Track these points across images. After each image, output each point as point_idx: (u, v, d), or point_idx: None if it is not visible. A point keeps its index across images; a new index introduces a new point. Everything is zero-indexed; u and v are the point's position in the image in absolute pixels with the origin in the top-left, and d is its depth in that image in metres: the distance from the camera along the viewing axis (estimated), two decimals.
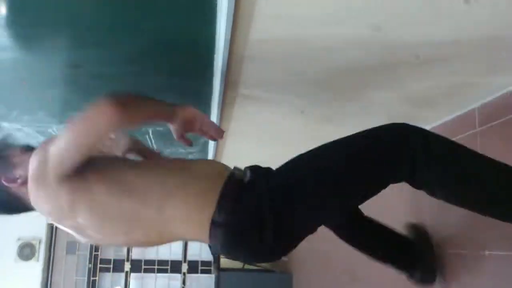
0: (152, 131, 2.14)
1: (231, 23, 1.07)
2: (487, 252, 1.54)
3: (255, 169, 1.27)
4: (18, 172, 1.30)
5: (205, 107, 1.73)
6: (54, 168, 1.16)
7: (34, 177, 1.21)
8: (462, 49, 1.22)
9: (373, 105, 1.78)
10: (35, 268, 5.22)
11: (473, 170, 1.15)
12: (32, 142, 2.26)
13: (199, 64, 1.38)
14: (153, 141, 2.30)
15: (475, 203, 1.18)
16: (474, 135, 1.63)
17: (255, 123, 2.14)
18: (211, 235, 1.20)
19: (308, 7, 1.03)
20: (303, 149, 1.26)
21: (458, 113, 1.76)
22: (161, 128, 2.08)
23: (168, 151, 2.52)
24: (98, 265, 5.51)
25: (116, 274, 5.56)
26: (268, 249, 1.20)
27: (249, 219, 1.18)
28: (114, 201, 1.21)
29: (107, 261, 5.50)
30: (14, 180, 1.29)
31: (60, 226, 1.35)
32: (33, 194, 1.24)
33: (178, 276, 5.50)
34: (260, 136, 2.43)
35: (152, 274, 5.51)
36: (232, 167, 1.30)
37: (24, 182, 1.27)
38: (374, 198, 1.21)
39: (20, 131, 2.16)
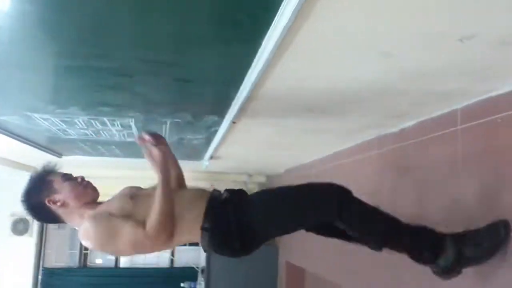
0: (170, 122, 2.36)
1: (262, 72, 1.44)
2: None
3: (231, 192, 1.81)
4: (58, 197, 1.74)
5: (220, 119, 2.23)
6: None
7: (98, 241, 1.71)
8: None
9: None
10: (28, 242, 5.39)
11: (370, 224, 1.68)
12: (54, 128, 2.47)
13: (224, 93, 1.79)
14: (167, 130, 2.53)
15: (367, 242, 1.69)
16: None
17: (253, 136, 2.87)
18: (201, 238, 1.70)
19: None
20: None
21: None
22: (178, 119, 2.31)
23: (177, 137, 2.75)
24: None
25: None
26: (238, 251, 1.70)
27: (225, 226, 1.68)
28: None
29: None
30: (55, 203, 1.74)
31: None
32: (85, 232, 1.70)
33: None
34: (254, 145, 3.03)
35: None
36: (211, 189, 1.86)
37: (62, 205, 1.74)
38: None
39: (47, 121, 2.35)
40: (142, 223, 1.63)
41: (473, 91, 1.74)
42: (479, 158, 1.78)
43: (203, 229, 1.68)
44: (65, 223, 1.86)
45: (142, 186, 1.96)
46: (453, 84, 1.67)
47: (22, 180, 5.37)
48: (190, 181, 5.46)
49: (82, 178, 1.82)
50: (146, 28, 1.20)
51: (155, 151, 1.70)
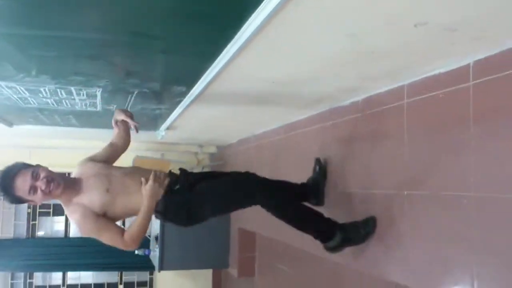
0: (137, 92, 2.43)
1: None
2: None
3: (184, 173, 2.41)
4: (35, 201, 2.08)
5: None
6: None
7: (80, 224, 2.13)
8: None
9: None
10: None
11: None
12: (15, 97, 2.46)
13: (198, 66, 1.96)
14: (132, 100, 2.59)
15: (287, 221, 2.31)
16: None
17: (212, 109, 3.09)
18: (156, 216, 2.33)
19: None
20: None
21: None
22: (146, 90, 2.39)
23: (140, 106, 2.82)
24: (38, 209, 5.64)
25: (56, 218, 5.74)
26: (185, 225, 2.32)
27: (176, 210, 2.27)
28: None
29: (47, 206, 5.64)
30: (35, 204, 2.16)
31: None
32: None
33: None
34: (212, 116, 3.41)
35: None
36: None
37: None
38: None
39: (11, 89, 2.34)
40: (121, 232, 2.13)
41: (419, 69, 1.98)
42: (423, 131, 2.04)
43: (156, 211, 2.25)
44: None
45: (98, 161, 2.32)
46: (402, 62, 1.89)
47: None
48: (143, 151, 5.50)
49: (46, 185, 2.01)
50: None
51: (155, 191, 2.17)
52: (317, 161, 2.83)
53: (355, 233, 2.27)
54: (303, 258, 3.46)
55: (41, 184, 2.00)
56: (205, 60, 1.84)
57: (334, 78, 2.16)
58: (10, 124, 3.67)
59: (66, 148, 4.82)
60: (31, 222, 5.62)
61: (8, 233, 5.58)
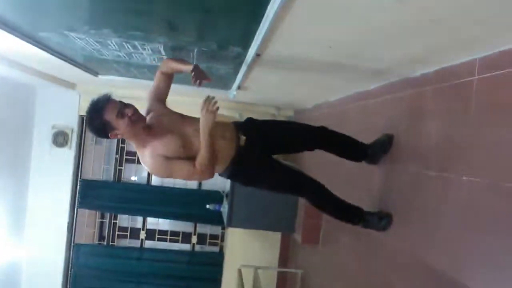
0: (197, 50, 2.45)
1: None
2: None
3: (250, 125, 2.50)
4: (117, 132, 2.11)
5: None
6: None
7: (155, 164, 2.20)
8: None
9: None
10: (68, 154, 5.75)
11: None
12: (90, 48, 2.60)
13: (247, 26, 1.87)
14: (195, 57, 2.62)
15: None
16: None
17: (277, 72, 3.03)
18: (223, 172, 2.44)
19: None
20: None
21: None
22: (205, 48, 2.40)
23: (206, 65, 2.85)
24: (124, 156, 6.06)
25: (140, 166, 6.12)
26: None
27: (241, 172, 2.43)
28: None
29: (133, 153, 6.03)
30: (116, 136, 2.13)
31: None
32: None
33: None
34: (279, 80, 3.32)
35: None
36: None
37: (122, 136, 2.15)
38: None
39: (82, 40, 2.48)
40: (192, 163, 2.17)
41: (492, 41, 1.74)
42: (492, 108, 1.81)
43: (226, 170, 2.39)
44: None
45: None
46: (469, 32, 1.68)
47: (61, 94, 5.69)
48: (221, 109, 5.63)
49: (133, 113, 2.08)
50: None
51: (206, 119, 2.12)
52: (385, 135, 2.68)
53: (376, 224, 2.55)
54: (364, 236, 3.35)
55: (129, 111, 2.07)
56: (252, 20, 1.78)
57: (395, 46, 1.98)
58: (95, 73, 3.93)
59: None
60: (118, 167, 6.06)
61: (98, 176, 6.08)
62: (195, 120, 2.24)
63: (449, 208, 2.00)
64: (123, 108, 2.07)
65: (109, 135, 2.12)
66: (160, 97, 2.37)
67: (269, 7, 1.58)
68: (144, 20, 1.98)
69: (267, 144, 2.45)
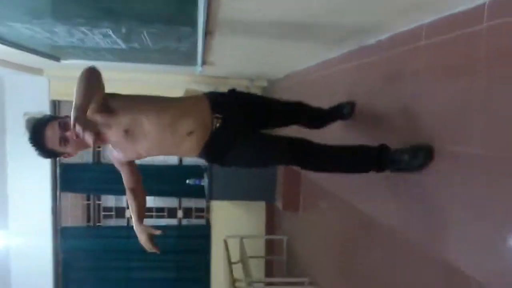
0: (146, 32, 2.39)
1: None
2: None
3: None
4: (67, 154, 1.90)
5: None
6: None
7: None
8: None
9: None
10: None
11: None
12: (41, 35, 2.53)
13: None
14: (148, 39, 2.56)
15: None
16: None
17: (234, 47, 3.01)
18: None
19: None
20: None
21: None
22: (154, 30, 2.34)
23: (162, 45, 2.79)
24: None
25: None
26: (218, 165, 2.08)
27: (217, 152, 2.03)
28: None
29: None
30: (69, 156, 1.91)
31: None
32: None
33: None
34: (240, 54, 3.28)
35: None
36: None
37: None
38: None
39: (28, 29, 2.41)
40: None
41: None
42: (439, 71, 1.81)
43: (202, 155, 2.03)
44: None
45: None
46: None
47: (30, 81, 5.57)
48: (194, 84, 5.56)
49: (77, 135, 1.61)
50: None
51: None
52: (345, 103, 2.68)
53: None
54: (341, 203, 3.40)
55: (71, 134, 1.77)
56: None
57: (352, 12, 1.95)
58: (57, 59, 3.84)
59: (115, 80, 5.01)
60: (96, 149, 6.02)
61: (77, 159, 6.05)
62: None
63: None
64: (64, 132, 1.82)
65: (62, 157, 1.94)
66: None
67: None
68: (82, 7, 1.92)
69: (248, 121, 2.09)
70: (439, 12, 1.78)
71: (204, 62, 3.69)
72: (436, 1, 1.67)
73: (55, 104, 5.66)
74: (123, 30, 2.35)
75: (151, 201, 6.37)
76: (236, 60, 3.82)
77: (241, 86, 5.54)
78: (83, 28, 2.33)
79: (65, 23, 2.21)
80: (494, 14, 1.48)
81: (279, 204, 5.01)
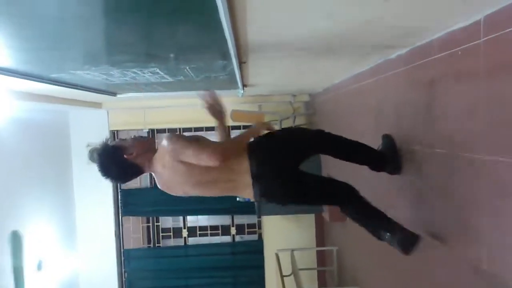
0: (189, 67, 2.70)
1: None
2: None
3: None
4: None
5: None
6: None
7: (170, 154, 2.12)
8: None
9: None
10: None
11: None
12: (99, 78, 2.89)
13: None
14: (190, 72, 2.87)
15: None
16: None
17: (268, 68, 3.17)
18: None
19: None
20: None
21: None
22: (194, 66, 2.64)
23: (204, 75, 3.09)
24: None
25: None
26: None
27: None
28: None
29: None
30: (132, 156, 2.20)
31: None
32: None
33: None
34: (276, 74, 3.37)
35: None
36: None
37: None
38: None
39: (88, 74, 2.78)
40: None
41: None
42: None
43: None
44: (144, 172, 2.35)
45: None
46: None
47: (91, 114, 6.10)
48: (240, 104, 5.84)
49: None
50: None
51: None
52: (384, 136, 2.69)
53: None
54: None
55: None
56: (212, 29, 1.76)
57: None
58: (113, 94, 4.26)
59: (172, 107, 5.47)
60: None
61: (136, 184, 6.47)
62: None
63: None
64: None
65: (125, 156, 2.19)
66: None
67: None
68: (132, 55, 2.25)
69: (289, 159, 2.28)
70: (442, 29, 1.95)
71: (244, 85, 3.97)
72: (442, 18, 1.84)
73: (114, 134, 6.11)
74: (168, 68, 2.66)
75: (205, 220, 6.68)
76: (274, 79, 4.07)
77: (284, 101, 5.79)
78: (134, 69, 2.67)
79: (118, 68, 2.55)
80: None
81: (326, 216, 5.14)
